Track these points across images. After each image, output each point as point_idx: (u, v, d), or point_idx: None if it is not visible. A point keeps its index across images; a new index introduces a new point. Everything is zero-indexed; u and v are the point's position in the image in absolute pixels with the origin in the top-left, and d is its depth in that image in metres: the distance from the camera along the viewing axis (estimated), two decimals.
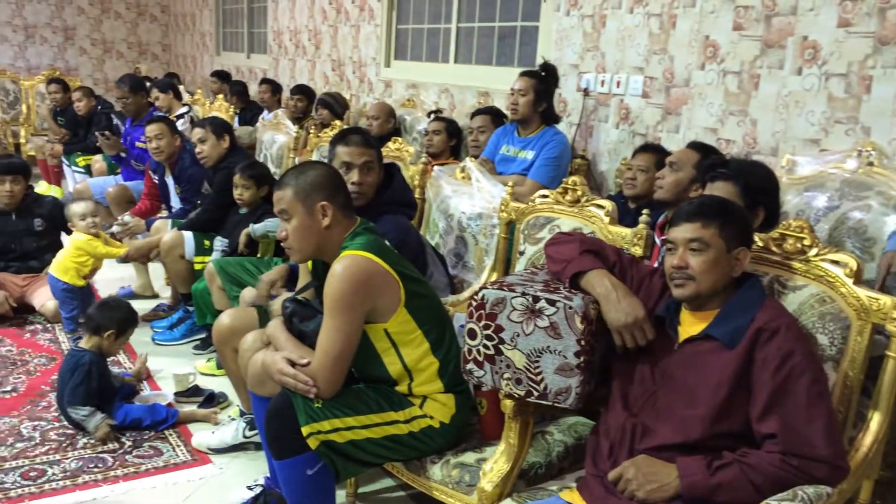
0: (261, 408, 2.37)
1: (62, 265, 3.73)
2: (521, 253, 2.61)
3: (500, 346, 1.88)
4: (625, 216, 2.71)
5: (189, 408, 3.15)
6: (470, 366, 1.93)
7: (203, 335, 3.81)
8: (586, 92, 3.88)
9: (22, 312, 4.03)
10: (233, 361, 2.88)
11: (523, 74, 3.58)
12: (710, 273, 1.72)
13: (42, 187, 6.70)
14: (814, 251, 1.83)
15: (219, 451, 2.84)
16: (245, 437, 2.84)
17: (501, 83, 4.25)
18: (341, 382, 2.05)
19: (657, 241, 2.56)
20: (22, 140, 8.02)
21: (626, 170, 3.06)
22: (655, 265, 2.21)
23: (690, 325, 1.79)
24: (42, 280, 4.06)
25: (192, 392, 3.27)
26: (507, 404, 1.92)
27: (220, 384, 3.33)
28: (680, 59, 3.41)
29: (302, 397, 2.01)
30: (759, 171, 2.27)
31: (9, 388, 3.23)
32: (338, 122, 4.47)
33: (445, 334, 2.17)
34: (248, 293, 3.04)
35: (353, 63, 6.15)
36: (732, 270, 1.74)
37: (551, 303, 1.81)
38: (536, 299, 1.82)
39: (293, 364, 2.04)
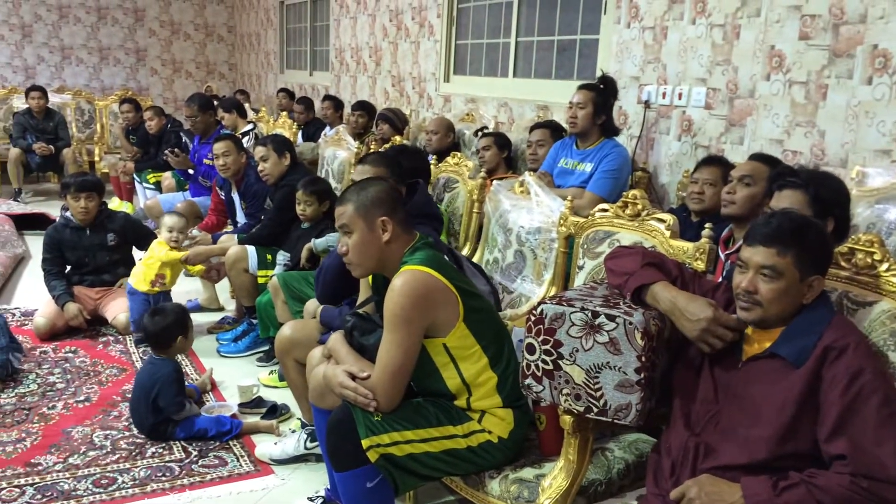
0: (322, 420, 2.41)
1: (142, 275, 3.92)
2: (581, 267, 2.59)
3: (559, 362, 1.86)
4: (686, 230, 2.66)
5: (252, 419, 3.21)
6: (529, 381, 1.92)
7: (266, 348, 3.89)
8: (647, 104, 3.84)
9: (95, 324, 4.18)
10: (294, 373, 2.95)
11: (582, 87, 3.57)
12: (779, 301, 1.67)
13: (114, 203, 6.94)
14: (885, 266, 1.76)
15: (281, 462, 2.89)
16: (306, 448, 2.88)
17: (560, 96, 4.24)
18: (400, 396, 2.07)
19: (721, 255, 2.51)
20: (96, 158, 8.35)
21: (691, 183, 3.00)
22: (719, 280, 2.17)
23: (755, 343, 1.75)
24: (114, 293, 4.21)
25: (255, 403, 3.33)
26: (567, 420, 1.91)
27: (282, 396, 3.40)
28: (744, 69, 3.35)
29: (362, 410, 2.03)
30: (829, 181, 2.19)
31: (82, 398, 3.35)
32: (398, 138, 4.53)
33: (504, 349, 2.17)
34: (311, 305, 3.09)
35: (412, 79, 6.22)
36: (803, 298, 1.68)
37: (611, 318, 1.79)
38: (596, 314, 1.81)
39: (354, 377, 2.07)
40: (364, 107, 6.11)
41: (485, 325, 2.14)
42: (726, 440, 1.72)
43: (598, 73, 3.82)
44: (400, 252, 2.14)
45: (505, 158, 4.10)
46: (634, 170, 3.75)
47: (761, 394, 1.69)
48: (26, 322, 4.19)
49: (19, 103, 8.27)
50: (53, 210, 6.74)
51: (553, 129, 3.93)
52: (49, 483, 2.66)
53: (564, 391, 1.87)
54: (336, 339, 2.27)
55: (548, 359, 1.88)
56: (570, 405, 1.87)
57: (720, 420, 1.76)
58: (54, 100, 8.21)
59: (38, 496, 2.58)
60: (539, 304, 1.90)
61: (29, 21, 9.88)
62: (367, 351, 2.17)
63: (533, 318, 1.89)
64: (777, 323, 1.70)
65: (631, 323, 1.77)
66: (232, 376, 3.66)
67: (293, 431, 3.02)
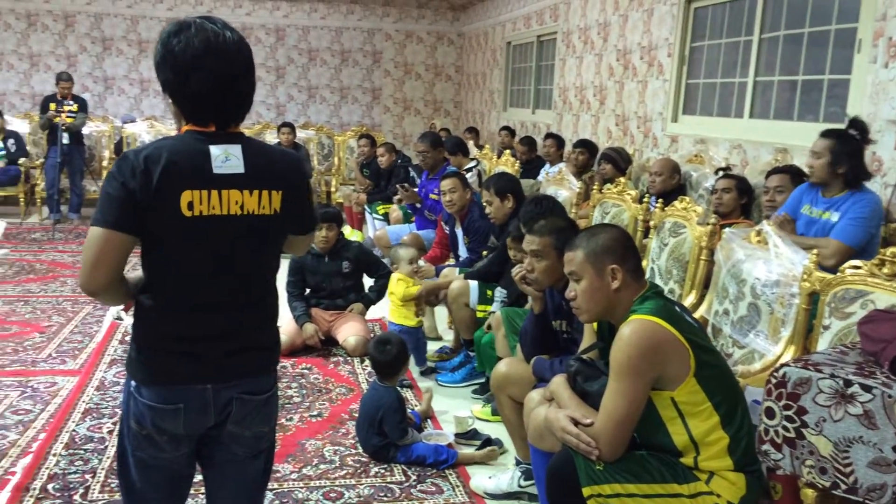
0: (539, 461, 2.42)
1: (395, 312, 4.23)
2: (826, 328, 2.39)
3: (803, 430, 1.74)
4: None
5: (468, 450, 3.29)
6: (766, 447, 1.81)
7: (482, 380, 3.98)
8: None
9: (327, 345, 4.51)
10: (509, 409, 2.99)
11: (822, 135, 3.31)
12: None
13: (346, 231, 7.48)
14: None
15: (494, 496, 2.93)
16: (520, 486, 2.90)
17: (802, 139, 3.97)
18: (624, 447, 2.02)
19: None
20: (332, 188, 9.07)
21: None
22: None
23: None
24: (346, 317, 4.52)
25: (470, 435, 3.41)
26: (808, 494, 1.77)
27: (495, 430, 3.45)
28: None
29: (584, 458, 2.02)
30: None
31: (315, 413, 3.62)
32: (622, 179, 4.47)
33: (737, 409, 2.05)
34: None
35: (637, 118, 6.13)
36: None
37: (866, 388, 1.64)
38: (848, 383, 1.67)
39: (576, 423, 2.06)
40: (586, 144, 6.11)
41: (718, 381, 2.04)
42: None
43: (848, 116, 3.53)
44: (629, 300, 2.11)
45: (743, 205, 3.89)
46: (888, 221, 3.41)
47: None
48: None
49: (271, 137, 9.21)
50: None
51: (794, 175, 3.68)
52: (286, 490, 2.90)
53: (807, 462, 1.74)
54: (558, 382, 2.27)
55: (789, 426, 1.76)
56: (813, 478, 1.74)
57: None
58: (300, 134, 9.05)
59: (277, 502, 2.82)
60: (781, 366, 1.79)
61: (283, 63, 11.00)
62: (590, 397, 2.15)
63: (774, 381, 1.78)
64: None
65: (891, 396, 1.61)
66: (448, 406, 3.78)
67: (507, 468, 3.05)
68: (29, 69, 10.28)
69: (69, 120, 7.77)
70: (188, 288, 1.69)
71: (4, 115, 8.69)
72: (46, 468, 2.97)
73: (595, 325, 2.38)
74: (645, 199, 4.03)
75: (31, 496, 2.77)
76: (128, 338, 2.21)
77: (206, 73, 1.62)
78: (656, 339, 1.98)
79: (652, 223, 3.77)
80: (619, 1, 6.42)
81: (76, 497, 2.76)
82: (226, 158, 1.65)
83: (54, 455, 3.07)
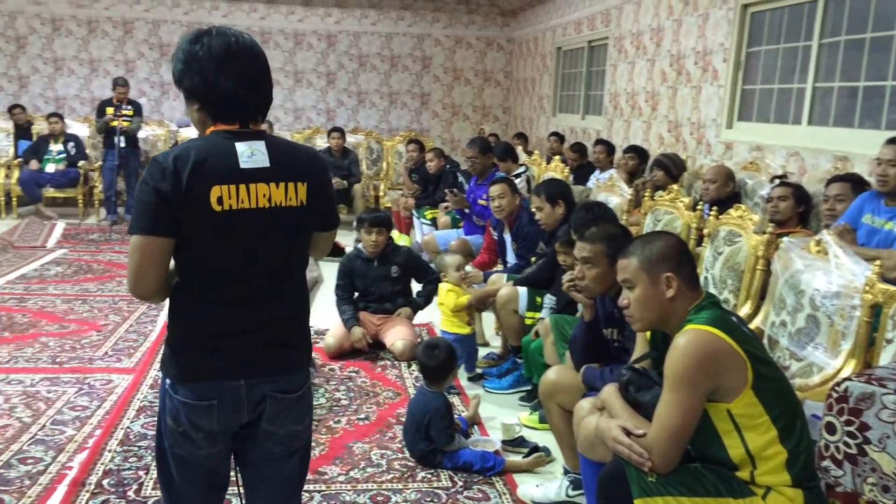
0: (590, 471, 2.39)
1: (446, 322, 4.22)
2: (889, 341, 2.32)
3: (865, 447, 1.68)
4: None
5: (514, 457, 3.26)
6: (826, 463, 1.76)
7: (529, 387, 3.95)
8: None
9: (375, 348, 4.53)
10: (557, 417, 2.96)
11: (891, 142, 3.21)
12: None
13: (394, 236, 7.51)
14: None
15: None
16: (568, 496, 2.87)
17: (864, 147, 3.86)
18: (678, 459, 1.98)
19: None
20: (381, 193, 9.12)
21: None
22: None
23: None
24: (394, 321, 4.54)
25: (517, 442, 3.39)
26: None
27: (542, 438, 3.42)
28: None
29: (636, 469, 1.98)
30: None
31: (362, 416, 3.64)
32: (674, 186, 4.40)
33: (796, 423, 2.00)
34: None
35: (691, 124, 6.03)
36: None
37: None
38: None
39: (628, 433, 2.03)
40: (636, 150, 6.05)
41: (776, 394, 1.98)
42: None
43: None
44: (684, 310, 2.07)
45: (800, 213, 3.80)
46: None
47: None
48: (318, 340, 4.64)
49: (321, 142, 9.31)
50: (343, 239, 7.45)
51: (855, 183, 3.57)
52: (333, 493, 2.91)
53: (869, 480, 1.68)
54: (610, 391, 2.24)
55: (851, 442, 1.71)
56: (875, 496, 1.68)
57: None
58: (350, 139, 9.13)
59: (324, 503, 2.83)
60: (843, 380, 1.74)
61: (334, 69, 11.11)
62: (643, 407, 2.11)
63: (835, 396, 1.73)
64: None
65: None
66: (495, 412, 3.76)
67: (554, 477, 3.02)
68: (89, 74, 10.57)
69: (126, 124, 7.97)
70: (218, 283, 1.74)
71: (65, 119, 8.95)
72: (101, 464, 3.04)
73: (648, 334, 2.34)
74: (698, 207, 3.95)
75: (86, 491, 2.83)
76: None
77: (232, 74, 1.71)
78: (713, 349, 1.94)
79: (706, 231, 3.70)
80: (673, 6, 6.33)
81: (130, 493, 2.82)
82: (251, 154, 1.72)
83: (109, 451, 3.14)
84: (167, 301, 1.80)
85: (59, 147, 8.56)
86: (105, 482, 2.90)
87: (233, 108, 1.74)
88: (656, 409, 2.00)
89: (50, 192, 8.48)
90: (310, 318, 1.93)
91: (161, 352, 1.84)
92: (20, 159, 8.60)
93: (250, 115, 1.77)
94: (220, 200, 1.67)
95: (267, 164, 1.73)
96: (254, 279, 1.76)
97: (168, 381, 1.79)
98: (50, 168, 8.43)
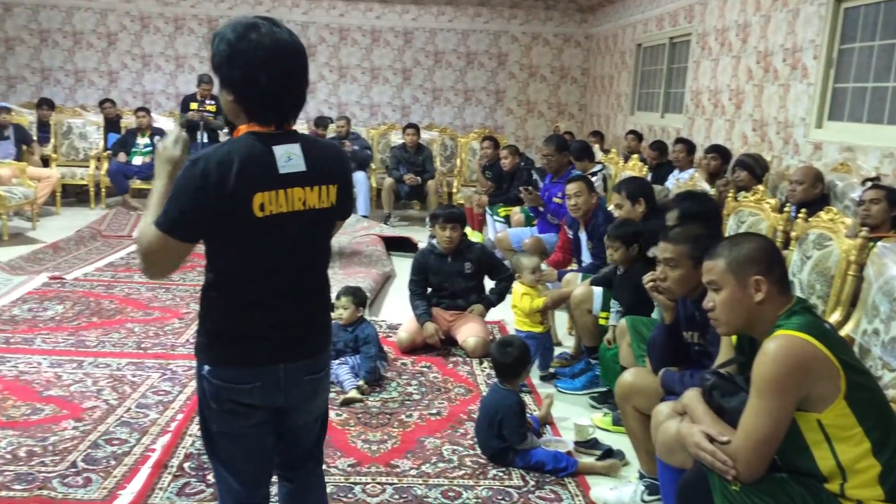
0: (668, 477, 2.33)
1: (520, 322, 4.21)
2: None
3: None
4: None
5: (587, 459, 3.21)
6: None
7: (602, 389, 3.89)
8: None
9: (447, 344, 4.54)
10: (633, 420, 2.90)
11: None
12: None
13: (466, 232, 7.51)
14: None
15: None
16: (643, 501, 2.81)
17: None
18: (764, 469, 1.91)
19: None
20: (454, 189, 9.14)
21: None
22: None
23: None
24: (466, 317, 4.53)
25: (591, 444, 3.33)
26: None
27: (615, 440, 3.36)
28: None
29: (719, 477, 1.92)
30: None
31: (434, 411, 3.64)
32: (760, 187, 4.25)
33: (891, 436, 1.90)
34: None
35: (777, 123, 5.83)
36: None
37: None
38: None
39: (711, 440, 1.97)
40: (718, 149, 5.89)
41: (870, 405, 1.90)
42: None
43: None
44: (774, 314, 1.99)
45: (893, 217, 3.63)
46: None
47: None
48: (391, 334, 4.67)
49: (396, 138, 9.39)
50: (416, 234, 7.51)
51: None
52: (405, 486, 2.93)
53: None
54: (692, 396, 2.17)
55: None
56: None
57: None
58: (424, 136, 9.17)
59: (396, 496, 2.85)
60: None
61: (409, 66, 11.18)
62: (727, 413, 2.05)
63: None
64: None
65: None
66: (567, 412, 3.71)
67: (629, 481, 2.97)
68: (174, 70, 10.91)
69: (209, 118, 8.20)
70: (255, 281, 1.80)
71: (151, 113, 9.27)
72: (183, 447, 3.13)
73: (734, 338, 2.27)
74: (785, 209, 3.81)
75: (168, 473, 2.92)
76: None
77: (276, 72, 1.73)
78: (805, 356, 1.86)
79: (793, 234, 3.56)
80: (762, 1, 6.13)
81: (209, 477, 2.89)
82: (288, 158, 1.76)
83: (190, 435, 3.23)
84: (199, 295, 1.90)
85: (146, 140, 8.86)
86: (186, 465, 2.99)
87: (269, 109, 1.76)
88: (742, 416, 1.93)
89: (137, 183, 8.77)
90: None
91: (195, 341, 1.91)
92: (109, 152, 8.94)
93: (287, 115, 1.80)
94: (262, 207, 1.72)
95: (303, 167, 1.78)
96: (289, 276, 1.83)
97: (206, 367, 1.86)
98: (137, 161, 8.75)
